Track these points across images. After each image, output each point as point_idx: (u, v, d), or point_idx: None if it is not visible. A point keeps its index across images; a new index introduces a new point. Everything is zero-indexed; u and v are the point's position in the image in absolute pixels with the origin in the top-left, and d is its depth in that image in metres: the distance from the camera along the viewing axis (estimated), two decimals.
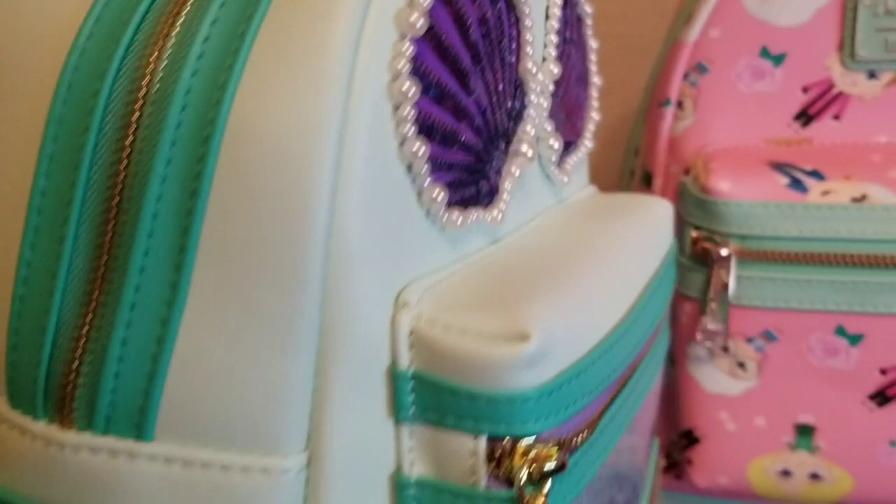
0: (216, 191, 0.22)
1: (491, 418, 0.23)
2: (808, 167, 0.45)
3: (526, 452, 0.24)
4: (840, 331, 0.45)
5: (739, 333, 0.47)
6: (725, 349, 0.47)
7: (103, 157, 0.23)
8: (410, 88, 0.23)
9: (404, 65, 0.23)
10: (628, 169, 0.54)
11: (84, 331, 0.23)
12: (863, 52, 0.46)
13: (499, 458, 0.24)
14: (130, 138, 0.22)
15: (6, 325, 0.23)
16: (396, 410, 0.24)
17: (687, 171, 0.48)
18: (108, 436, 0.23)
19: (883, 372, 0.45)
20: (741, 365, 0.47)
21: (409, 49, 0.24)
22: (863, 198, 0.44)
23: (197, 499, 0.22)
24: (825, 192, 0.44)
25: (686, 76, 0.48)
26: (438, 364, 0.24)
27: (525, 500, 0.24)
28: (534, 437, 0.24)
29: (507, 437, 0.24)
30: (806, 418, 0.47)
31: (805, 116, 0.47)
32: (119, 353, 0.22)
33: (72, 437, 0.23)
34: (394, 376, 0.24)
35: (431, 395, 0.24)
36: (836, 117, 0.47)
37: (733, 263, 0.45)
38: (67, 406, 0.23)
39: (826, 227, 0.44)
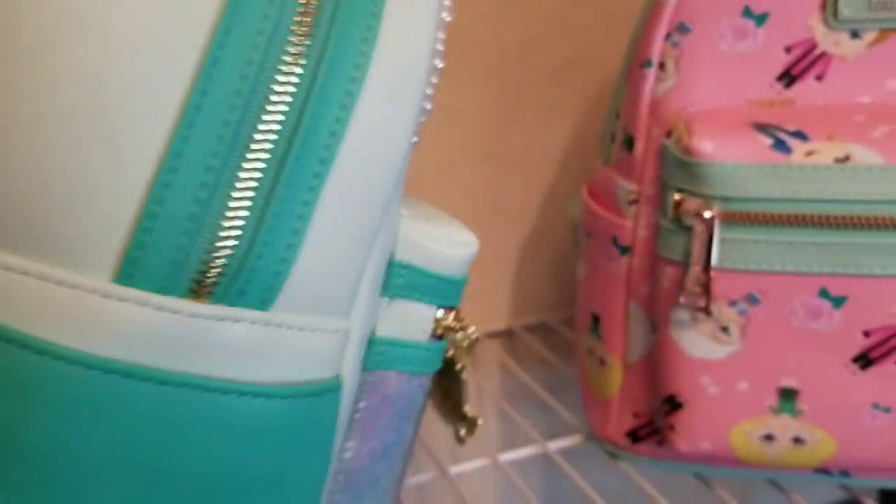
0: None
1: (444, 295, 0.36)
2: (792, 128, 0.45)
3: (457, 318, 0.37)
4: (823, 293, 0.45)
5: (722, 297, 0.46)
6: (708, 313, 0.47)
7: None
8: None
9: None
10: (609, 133, 0.53)
11: (235, 222, 0.26)
12: (846, 12, 0.45)
13: (440, 321, 0.36)
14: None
15: (136, 211, 0.26)
16: (384, 288, 0.34)
17: (669, 134, 0.48)
18: (234, 307, 0.27)
19: (866, 334, 0.45)
20: (724, 329, 0.47)
21: None
22: (846, 158, 0.43)
23: (297, 352, 0.28)
24: (809, 153, 0.44)
25: (668, 36, 0.48)
26: (418, 257, 0.35)
27: (453, 347, 0.39)
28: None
29: (449, 308, 0.37)
30: (789, 382, 0.47)
31: (788, 77, 0.47)
32: (266, 239, 0.27)
33: (204, 308, 0.26)
34: (390, 264, 0.34)
35: (410, 278, 0.35)
36: (819, 78, 0.47)
37: (716, 226, 0.45)
38: (207, 282, 0.26)
39: (810, 188, 0.44)
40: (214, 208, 0.26)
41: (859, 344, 0.45)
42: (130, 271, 0.26)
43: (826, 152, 0.44)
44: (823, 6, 0.46)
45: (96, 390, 0.26)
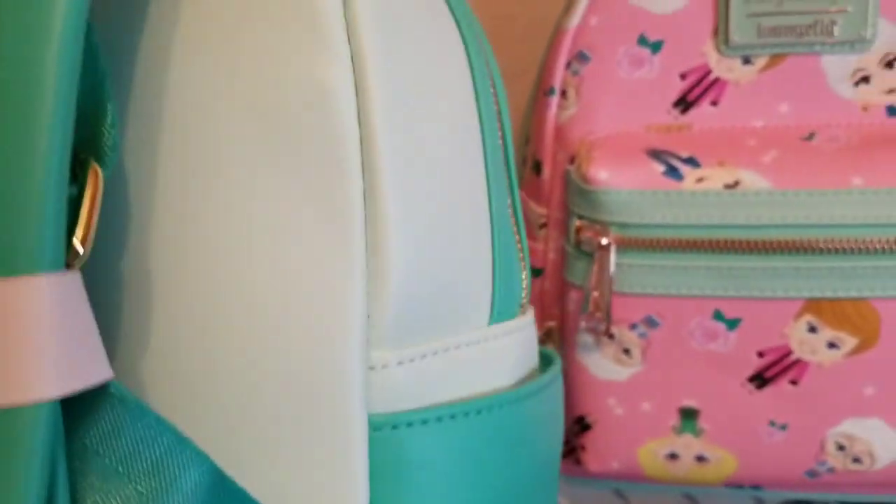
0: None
1: None
2: (685, 154, 0.46)
3: None
4: (718, 315, 0.46)
5: (623, 320, 0.47)
6: (610, 336, 0.48)
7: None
8: None
9: None
10: (521, 156, 0.54)
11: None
12: (736, 38, 0.46)
13: None
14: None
15: (490, 262, 0.31)
16: None
17: (572, 160, 0.49)
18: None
19: (760, 355, 0.46)
20: (626, 351, 0.48)
21: None
22: (735, 184, 0.44)
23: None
24: (700, 179, 0.45)
25: (568, 65, 0.49)
26: None
27: None
28: None
29: None
30: (689, 402, 0.48)
31: (684, 103, 0.48)
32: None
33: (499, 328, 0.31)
34: None
35: None
36: (714, 103, 0.48)
37: (612, 252, 0.46)
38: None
39: (700, 214, 0.45)
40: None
41: (754, 364, 0.46)
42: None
43: (716, 178, 0.45)
44: (715, 33, 0.47)
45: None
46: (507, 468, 0.29)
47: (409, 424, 0.26)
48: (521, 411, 0.30)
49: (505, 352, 0.31)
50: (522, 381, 0.32)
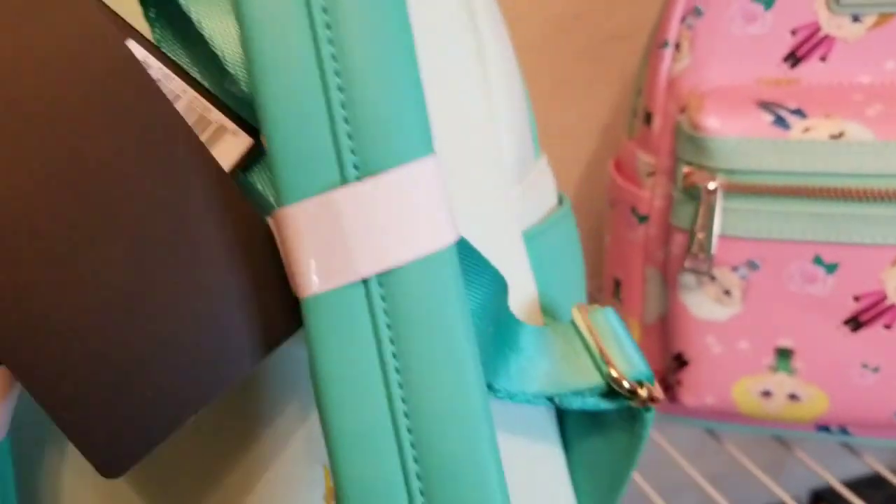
0: None
1: None
2: (793, 105, 0.48)
3: None
4: (818, 260, 0.48)
5: (725, 262, 0.50)
6: (712, 277, 0.50)
7: None
8: None
9: None
10: (632, 109, 0.57)
11: None
12: None
13: None
14: None
15: (528, 114, 0.38)
16: None
17: (683, 110, 0.51)
18: None
19: (856, 299, 0.48)
20: (727, 292, 0.51)
21: None
22: (840, 134, 0.47)
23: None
24: (806, 129, 0.47)
25: (683, 19, 0.51)
26: None
27: None
28: None
29: None
30: (785, 342, 0.50)
31: (793, 58, 0.50)
32: None
33: (541, 161, 0.40)
34: None
35: None
36: (823, 59, 0.50)
37: (719, 196, 0.49)
38: None
39: (805, 162, 0.47)
40: None
41: (850, 308, 0.49)
42: None
43: (822, 129, 0.47)
44: None
45: None
46: (562, 267, 0.38)
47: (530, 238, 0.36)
48: (563, 229, 0.38)
49: (547, 179, 0.39)
50: (553, 208, 0.39)
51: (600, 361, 0.30)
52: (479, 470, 0.25)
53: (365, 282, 0.25)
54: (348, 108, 0.24)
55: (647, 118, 0.54)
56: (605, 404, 0.30)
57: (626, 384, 0.29)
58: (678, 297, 0.52)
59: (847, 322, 0.49)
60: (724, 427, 0.57)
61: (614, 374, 0.30)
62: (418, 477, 0.25)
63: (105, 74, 0.25)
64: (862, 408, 0.50)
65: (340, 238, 0.25)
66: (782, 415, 0.52)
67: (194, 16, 0.27)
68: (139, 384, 0.25)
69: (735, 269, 0.50)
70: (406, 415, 0.25)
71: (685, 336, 0.53)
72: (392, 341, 0.25)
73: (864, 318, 0.49)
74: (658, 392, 0.30)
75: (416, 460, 0.25)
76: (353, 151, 0.24)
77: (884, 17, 0.48)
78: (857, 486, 0.70)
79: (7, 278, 0.24)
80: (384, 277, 0.25)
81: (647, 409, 0.30)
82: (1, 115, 0.24)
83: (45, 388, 0.25)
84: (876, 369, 0.49)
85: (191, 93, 0.28)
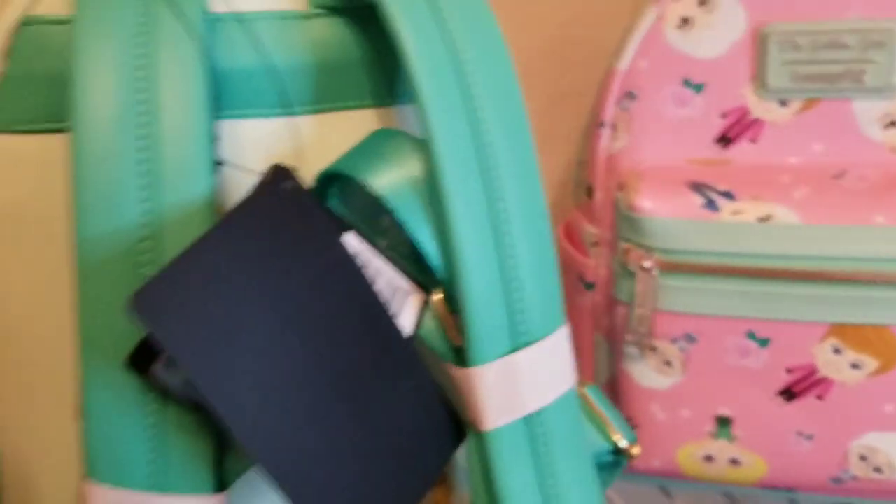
0: None
1: None
2: (723, 188, 0.50)
3: None
4: (751, 335, 0.51)
5: (664, 335, 0.52)
6: (653, 348, 0.53)
7: None
8: None
9: None
10: (577, 178, 0.59)
11: None
12: (773, 83, 0.50)
13: None
14: None
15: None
16: None
17: (621, 188, 0.54)
18: None
19: (789, 371, 0.51)
20: (668, 363, 0.53)
21: None
22: (767, 217, 0.49)
23: None
24: (735, 212, 0.49)
25: (618, 102, 0.53)
26: None
27: None
28: None
29: None
30: (724, 411, 0.53)
31: (725, 139, 0.52)
32: None
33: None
34: None
35: None
36: (753, 140, 0.52)
37: (655, 274, 0.51)
38: None
39: (734, 243, 0.49)
40: None
41: (783, 380, 0.51)
42: None
43: (751, 211, 0.49)
44: (754, 77, 0.51)
45: None
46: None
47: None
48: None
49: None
50: None
51: (603, 428, 0.41)
52: None
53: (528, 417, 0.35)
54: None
55: (589, 191, 0.56)
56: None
57: (624, 444, 0.41)
58: (623, 366, 0.55)
59: (781, 393, 0.51)
60: (675, 485, 0.60)
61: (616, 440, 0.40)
62: None
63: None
64: (799, 473, 0.52)
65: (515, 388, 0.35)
66: (725, 478, 0.54)
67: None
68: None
69: (674, 341, 0.52)
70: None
71: (631, 403, 0.55)
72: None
73: (796, 389, 0.51)
74: (637, 450, 0.41)
75: None
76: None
77: (810, 103, 0.51)
78: None
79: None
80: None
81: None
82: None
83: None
84: (810, 437, 0.52)
85: (385, 269, 0.35)
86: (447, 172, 0.33)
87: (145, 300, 0.27)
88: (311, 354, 0.31)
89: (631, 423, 0.55)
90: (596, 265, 0.56)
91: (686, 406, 0.53)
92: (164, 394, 0.31)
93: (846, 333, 0.49)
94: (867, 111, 0.50)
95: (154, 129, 0.31)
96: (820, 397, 0.51)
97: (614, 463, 0.42)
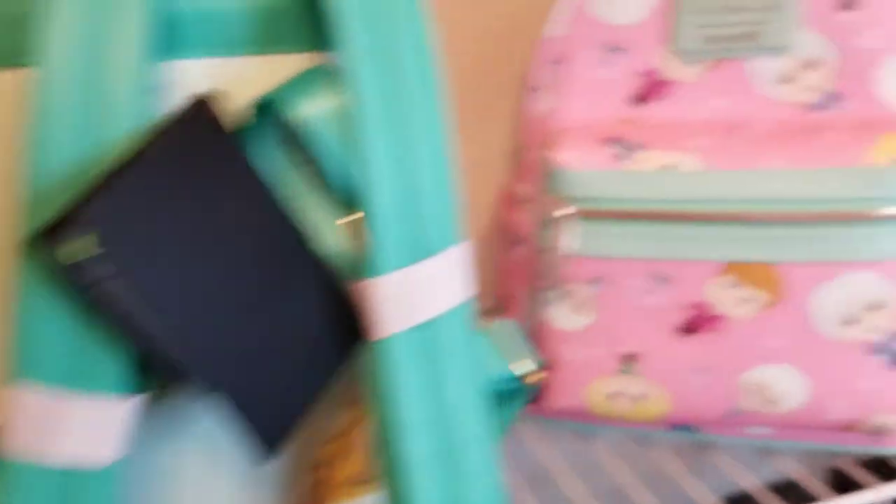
0: None
1: None
2: (635, 140, 0.55)
3: None
4: (652, 275, 0.55)
5: (578, 278, 0.57)
6: (568, 292, 0.57)
7: None
8: None
9: None
10: (514, 144, 0.64)
11: None
12: (683, 45, 0.56)
13: None
14: None
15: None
16: None
17: (545, 146, 0.58)
18: None
19: (687, 308, 0.55)
20: (581, 305, 0.57)
21: None
22: (673, 166, 0.54)
23: None
24: (643, 161, 0.54)
25: (547, 67, 0.59)
26: None
27: None
28: None
29: None
30: (630, 348, 0.57)
31: (640, 98, 0.57)
32: None
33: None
34: None
35: None
36: (664, 99, 0.57)
37: (565, 221, 0.55)
38: None
39: (642, 190, 0.54)
40: None
41: (682, 316, 0.55)
42: None
43: (657, 160, 0.54)
44: (667, 41, 0.56)
45: None
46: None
47: None
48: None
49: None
50: None
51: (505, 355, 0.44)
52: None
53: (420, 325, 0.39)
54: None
55: (521, 152, 0.61)
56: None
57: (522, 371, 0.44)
58: (542, 311, 0.59)
59: (680, 329, 0.56)
60: (590, 429, 0.64)
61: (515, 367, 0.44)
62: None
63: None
64: (699, 406, 0.57)
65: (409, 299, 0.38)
66: (631, 414, 0.59)
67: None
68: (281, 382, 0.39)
69: (586, 284, 0.57)
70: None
71: (548, 345, 0.59)
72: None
73: (694, 325, 0.55)
74: (537, 377, 0.44)
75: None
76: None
77: (715, 63, 0.56)
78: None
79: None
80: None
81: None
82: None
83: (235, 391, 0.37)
84: (707, 371, 0.56)
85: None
86: (364, 104, 0.37)
87: (91, 211, 0.32)
88: (222, 265, 0.36)
89: (548, 366, 0.60)
90: (527, 221, 0.61)
91: (596, 345, 0.58)
92: (79, 290, 0.34)
93: (739, 270, 0.54)
94: (764, 69, 0.55)
95: (97, 66, 0.35)
96: (714, 332, 0.55)
97: (517, 390, 0.45)
